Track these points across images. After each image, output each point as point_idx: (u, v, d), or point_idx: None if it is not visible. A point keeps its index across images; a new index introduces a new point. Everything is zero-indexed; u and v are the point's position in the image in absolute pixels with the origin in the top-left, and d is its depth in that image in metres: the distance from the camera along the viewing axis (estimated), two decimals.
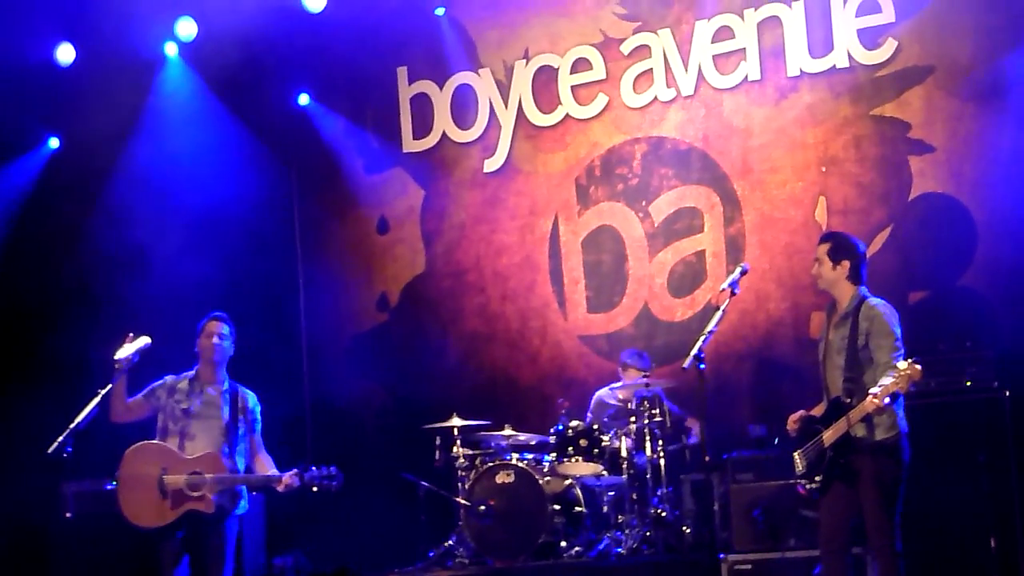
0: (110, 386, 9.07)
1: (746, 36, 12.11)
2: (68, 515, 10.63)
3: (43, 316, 12.86)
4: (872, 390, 7.87)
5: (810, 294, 11.09)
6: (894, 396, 7.84)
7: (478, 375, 13.08)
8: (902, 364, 7.81)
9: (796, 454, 8.42)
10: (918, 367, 7.78)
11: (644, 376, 11.39)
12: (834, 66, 11.79)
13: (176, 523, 8.99)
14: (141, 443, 9.20)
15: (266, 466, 9.40)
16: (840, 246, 8.53)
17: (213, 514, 9.02)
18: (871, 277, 8.57)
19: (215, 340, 9.28)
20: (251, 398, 9.46)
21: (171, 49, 13.37)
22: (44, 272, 12.97)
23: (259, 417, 9.47)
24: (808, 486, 8.37)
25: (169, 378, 9.40)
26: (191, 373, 9.39)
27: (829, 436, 8.19)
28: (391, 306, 13.56)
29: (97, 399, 8.96)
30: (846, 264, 8.42)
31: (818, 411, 8.44)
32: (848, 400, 8.12)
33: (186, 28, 13.19)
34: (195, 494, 8.96)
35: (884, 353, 8.12)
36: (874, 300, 8.36)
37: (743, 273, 8.86)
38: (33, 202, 13.24)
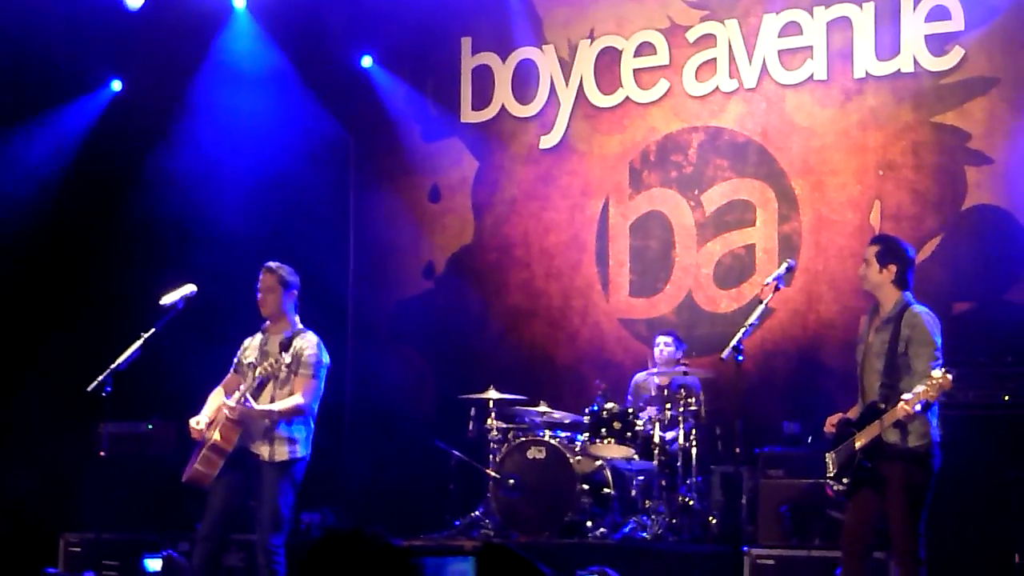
0: (153, 329, 9.14)
1: (814, 34, 12.06)
2: (102, 453, 10.69)
3: (96, 255, 12.95)
4: (904, 396, 7.86)
5: (861, 298, 10.98)
6: (926, 404, 7.83)
7: (517, 350, 13.11)
8: (936, 373, 7.80)
9: (828, 455, 8.43)
10: (949, 377, 7.75)
11: (681, 363, 11.42)
12: (899, 70, 11.74)
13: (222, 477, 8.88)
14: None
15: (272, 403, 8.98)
16: (889, 250, 8.48)
17: (262, 462, 8.89)
18: (917, 284, 8.53)
19: (258, 294, 9.23)
20: (302, 342, 9.08)
21: (239, 1, 13.42)
22: (100, 213, 13.04)
23: (307, 359, 9.02)
24: (836, 487, 8.37)
25: (246, 340, 9.34)
26: (265, 325, 9.30)
27: (861, 440, 8.18)
28: (437, 275, 13.61)
29: (140, 341, 9.05)
30: (893, 268, 8.37)
31: (853, 413, 8.43)
32: (883, 406, 8.10)
33: None
34: (212, 442, 8.82)
35: (923, 361, 8.08)
36: (918, 307, 8.32)
37: (789, 269, 8.89)
38: (93, 143, 13.30)
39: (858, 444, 8.18)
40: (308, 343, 9.10)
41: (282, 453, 8.92)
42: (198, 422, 8.95)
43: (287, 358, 8.94)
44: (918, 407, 7.79)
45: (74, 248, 12.92)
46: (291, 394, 8.95)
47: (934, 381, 7.76)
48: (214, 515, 8.97)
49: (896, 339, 8.20)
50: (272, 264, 9.23)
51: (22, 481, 11.86)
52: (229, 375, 9.29)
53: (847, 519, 8.46)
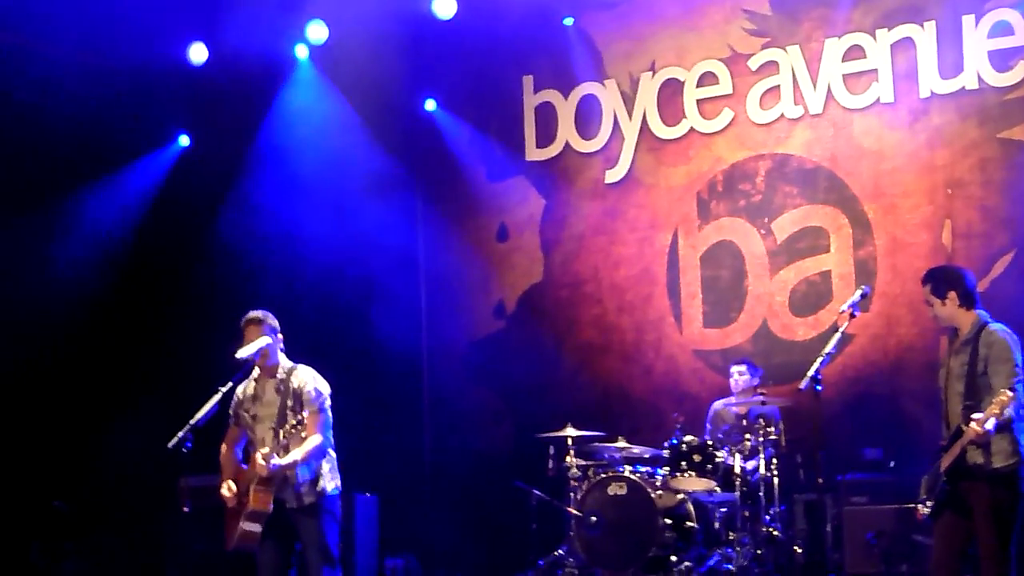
0: (230, 384, 9.18)
1: (878, 57, 12.01)
2: (185, 509, 10.75)
3: (170, 312, 13.06)
4: (974, 416, 7.82)
5: None
6: (999, 424, 7.77)
7: (592, 386, 13.10)
8: (1005, 391, 7.77)
9: (923, 478, 8.38)
10: (1010, 393, 7.75)
11: (759, 392, 11.37)
12: (963, 88, 11.68)
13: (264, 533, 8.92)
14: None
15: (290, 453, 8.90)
16: (940, 280, 8.46)
17: (293, 509, 8.92)
18: (993, 301, 8.48)
19: (256, 355, 9.15)
20: (297, 379, 9.06)
21: (302, 52, 13.55)
22: (171, 268, 13.16)
23: (308, 396, 8.97)
24: (923, 510, 8.32)
25: (238, 389, 9.28)
26: (255, 374, 9.26)
27: (945, 462, 8.12)
28: (508, 314, 13.63)
29: (218, 396, 9.05)
30: (953, 295, 8.34)
31: (944, 439, 8.39)
32: (966, 428, 8.04)
33: (317, 31, 13.34)
34: (251, 508, 8.84)
35: (1002, 379, 8.01)
36: (994, 325, 8.27)
37: (864, 296, 8.87)
38: (162, 199, 13.44)
39: (942, 467, 8.12)
40: (303, 379, 9.09)
41: (309, 495, 8.96)
42: (229, 488, 9.03)
43: (289, 401, 8.98)
44: (989, 426, 7.75)
45: (149, 304, 13.04)
46: (303, 437, 8.93)
47: (998, 399, 7.73)
48: (270, 574, 9.05)
49: (975, 359, 8.15)
50: (257, 314, 9.21)
51: (109, 538, 11.96)
52: (230, 429, 9.33)
53: (935, 543, 8.39)
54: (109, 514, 12.20)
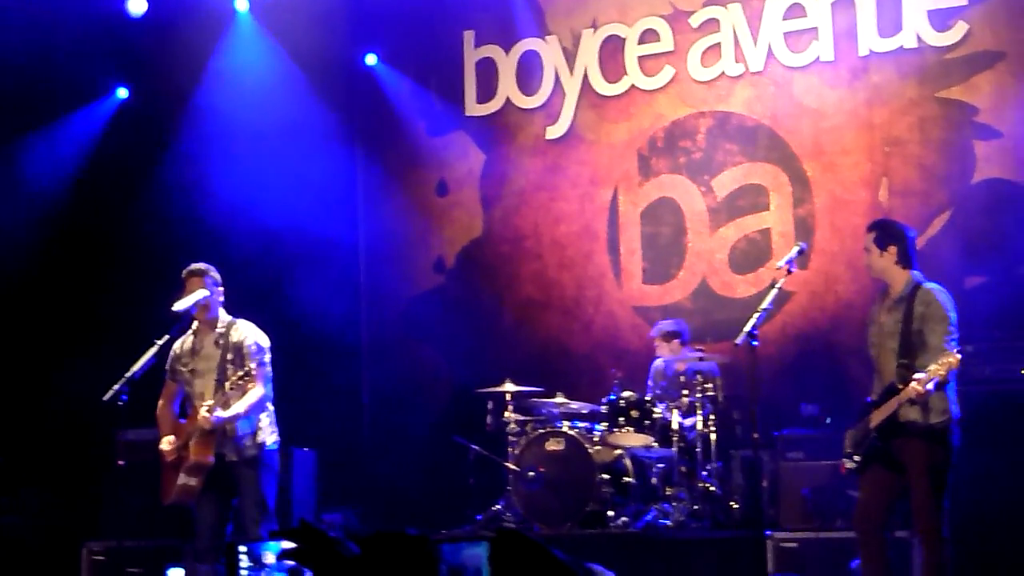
0: (167, 336, 9.15)
1: (819, 15, 12.05)
2: (121, 462, 10.71)
3: (107, 265, 12.96)
4: (916, 376, 7.91)
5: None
6: (938, 383, 7.88)
7: (531, 341, 13.10)
8: (945, 352, 7.85)
9: (848, 432, 8.48)
10: (958, 356, 7.88)
11: (698, 348, 11.41)
12: (902, 47, 11.73)
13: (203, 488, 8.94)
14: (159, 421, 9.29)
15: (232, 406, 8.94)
16: (885, 232, 8.56)
17: (233, 462, 8.98)
18: (929, 260, 8.55)
19: (193, 306, 9.12)
20: (237, 333, 9.13)
21: (241, 4, 13.42)
22: (108, 221, 13.06)
23: (248, 350, 9.07)
24: (848, 465, 8.42)
25: (175, 344, 9.29)
26: (193, 327, 9.28)
27: (875, 418, 8.23)
28: (447, 269, 13.60)
29: (154, 348, 9.03)
30: (893, 249, 8.45)
31: (874, 396, 8.46)
32: (901, 386, 8.12)
33: None
34: (192, 461, 8.90)
35: (937, 337, 8.15)
36: (930, 284, 8.37)
37: (801, 252, 8.96)
38: (100, 152, 13.31)
39: (873, 423, 8.22)
40: (243, 333, 9.13)
41: (250, 448, 9.02)
42: (169, 443, 9.01)
43: (229, 355, 9.00)
44: (930, 386, 7.87)
45: (85, 257, 12.92)
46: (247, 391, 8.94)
47: (943, 360, 7.82)
48: (208, 528, 9.07)
49: (910, 317, 8.26)
50: (200, 266, 9.21)
51: (43, 492, 11.89)
52: (166, 384, 9.32)
53: (860, 497, 8.53)
54: (43, 468, 12.10)
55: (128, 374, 8.91)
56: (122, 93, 13.69)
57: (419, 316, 13.50)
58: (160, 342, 9.09)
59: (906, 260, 8.44)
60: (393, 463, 12.77)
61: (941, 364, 7.84)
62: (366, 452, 13.24)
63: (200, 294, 9.08)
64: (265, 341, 9.17)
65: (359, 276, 13.84)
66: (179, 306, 9.06)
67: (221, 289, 9.24)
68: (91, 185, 13.09)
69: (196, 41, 13.23)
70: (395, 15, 13.66)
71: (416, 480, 12.46)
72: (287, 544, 3.70)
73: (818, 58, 12.08)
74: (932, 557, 8.10)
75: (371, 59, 13.84)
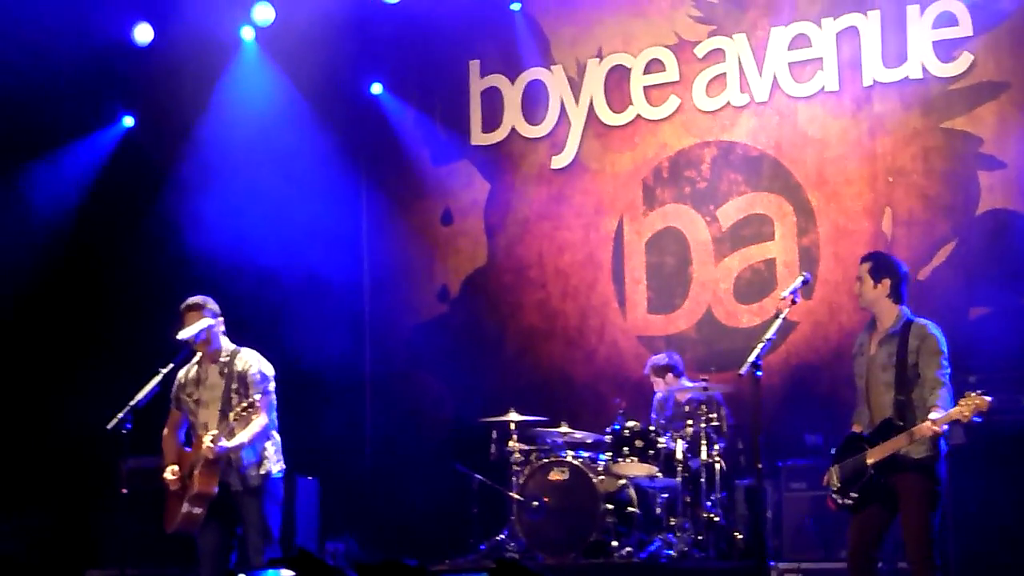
0: (171, 365, 9.15)
1: (824, 46, 12.07)
2: (124, 491, 10.69)
3: (110, 292, 12.98)
4: (932, 415, 7.92)
5: None
6: (955, 424, 7.91)
7: (535, 371, 13.10)
8: (972, 395, 7.84)
9: (832, 468, 8.42)
10: (988, 399, 7.83)
11: (702, 379, 11.38)
12: (907, 77, 11.75)
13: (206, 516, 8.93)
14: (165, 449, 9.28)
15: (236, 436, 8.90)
16: (881, 265, 8.55)
17: (238, 492, 8.96)
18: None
19: (196, 338, 9.11)
20: (241, 362, 9.11)
21: (248, 33, 13.46)
22: (112, 249, 13.08)
23: (252, 378, 9.05)
24: (841, 501, 8.36)
25: (180, 374, 9.28)
26: (197, 358, 9.28)
27: (874, 455, 8.19)
28: (451, 298, 13.60)
29: (159, 377, 9.04)
30: (887, 283, 8.44)
31: (857, 427, 8.45)
32: (901, 422, 8.12)
33: (263, 13, 13.27)
34: (195, 490, 8.89)
35: (932, 370, 8.17)
36: (922, 320, 8.40)
37: (805, 282, 8.94)
38: (104, 180, 13.34)
39: (870, 460, 8.19)
40: (248, 362, 9.12)
41: (255, 477, 9.00)
42: (173, 471, 9.01)
43: (234, 384, 8.99)
44: (947, 427, 7.87)
45: (89, 284, 12.96)
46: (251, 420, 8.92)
47: (970, 402, 7.81)
48: (211, 557, 9.07)
49: (905, 351, 8.27)
50: (197, 299, 9.20)
51: (46, 520, 11.88)
52: (171, 413, 9.31)
53: (852, 534, 8.42)
54: (46, 495, 12.09)
55: (132, 402, 8.92)
56: (128, 121, 13.74)
57: (423, 345, 13.49)
58: (164, 370, 9.09)
59: (897, 296, 8.45)
60: (396, 491, 12.76)
61: (966, 406, 7.83)
62: (369, 480, 13.22)
63: (204, 322, 9.08)
64: (269, 370, 9.17)
65: (363, 304, 13.84)
66: (183, 335, 9.06)
67: (221, 319, 9.24)
68: (96, 213, 13.12)
69: (202, 70, 13.28)
70: (401, 45, 13.70)
71: (419, 509, 12.44)
72: (287, 573, 3.71)
73: (823, 88, 12.09)
74: None
75: (376, 88, 13.87)
